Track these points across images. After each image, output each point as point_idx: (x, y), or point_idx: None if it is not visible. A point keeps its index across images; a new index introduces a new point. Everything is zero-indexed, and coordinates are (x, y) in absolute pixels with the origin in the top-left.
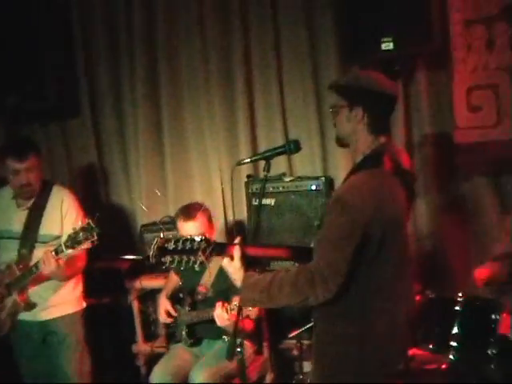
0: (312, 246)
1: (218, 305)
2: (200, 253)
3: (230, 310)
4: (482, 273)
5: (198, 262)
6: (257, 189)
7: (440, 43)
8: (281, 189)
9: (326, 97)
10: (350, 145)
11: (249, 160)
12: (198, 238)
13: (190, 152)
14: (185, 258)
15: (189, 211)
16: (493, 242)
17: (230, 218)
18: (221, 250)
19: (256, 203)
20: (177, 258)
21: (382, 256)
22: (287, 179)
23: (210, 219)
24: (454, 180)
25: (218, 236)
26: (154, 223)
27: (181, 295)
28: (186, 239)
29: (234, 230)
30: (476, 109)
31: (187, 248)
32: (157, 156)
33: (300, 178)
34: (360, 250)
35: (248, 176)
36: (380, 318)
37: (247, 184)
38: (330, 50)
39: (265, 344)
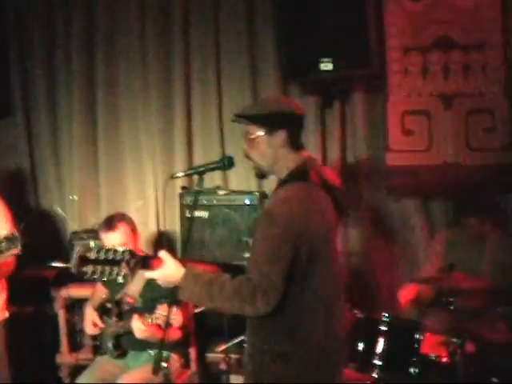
0: (240, 263)
1: (135, 316)
2: (124, 264)
3: (149, 320)
4: (406, 294)
5: (122, 274)
6: (191, 201)
7: (378, 67)
8: (214, 202)
9: None
10: (270, 172)
11: (182, 174)
12: (121, 249)
13: (124, 160)
14: (107, 268)
15: (110, 222)
16: (420, 263)
17: (163, 229)
18: (145, 263)
19: (189, 215)
20: (99, 268)
21: (314, 270)
22: (221, 192)
23: (133, 230)
24: (385, 201)
25: (150, 246)
26: (85, 230)
27: (108, 305)
28: (109, 249)
29: (163, 240)
30: (409, 133)
31: (110, 258)
32: (91, 162)
33: (234, 192)
34: (293, 264)
35: (182, 188)
36: (316, 333)
37: (181, 196)
38: (270, 68)
39: (192, 357)
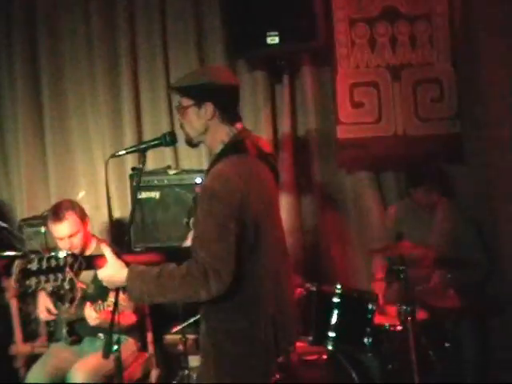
0: (184, 245)
1: (87, 304)
2: (67, 269)
3: (101, 307)
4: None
5: (67, 280)
6: (142, 182)
7: (324, 40)
8: (166, 182)
9: None
10: (203, 142)
11: (123, 152)
12: (62, 254)
13: (72, 143)
14: (52, 276)
15: (57, 212)
16: (374, 235)
17: (116, 211)
18: (89, 262)
19: (141, 197)
20: (43, 278)
21: (261, 243)
22: (172, 172)
23: (82, 218)
24: (337, 175)
25: (103, 230)
26: (35, 217)
27: (62, 291)
28: (50, 257)
29: (116, 224)
30: (358, 105)
31: (52, 266)
32: (38, 147)
33: (185, 171)
34: (240, 239)
35: (133, 168)
36: (270, 306)
37: (131, 177)
38: (218, 44)
39: (149, 340)
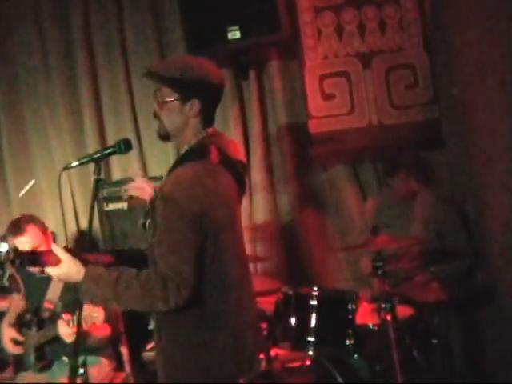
0: (138, 248)
1: (60, 322)
2: (8, 265)
3: (73, 322)
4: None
5: (7, 275)
6: (107, 193)
7: (289, 31)
8: None
9: None
10: (176, 138)
11: (77, 163)
12: (2, 249)
13: (32, 155)
14: None
15: (18, 225)
16: (354, 230)
17: (82, 224)
18: (35, 258)
19: (108, 208)
20: None
21: (222, 252)
22: None
23: (43, 231)
24: (312, 171)
25: (73, 246)
26: None
27: (27, 317)
28: None
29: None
30: (329, 97)
31: None
32: None
33: (153, 179)
34: (200, 249)
35: (98, 180)
36: (231, 318)
37: (95, 188)
38: (178, 41)
39: (125, 359)
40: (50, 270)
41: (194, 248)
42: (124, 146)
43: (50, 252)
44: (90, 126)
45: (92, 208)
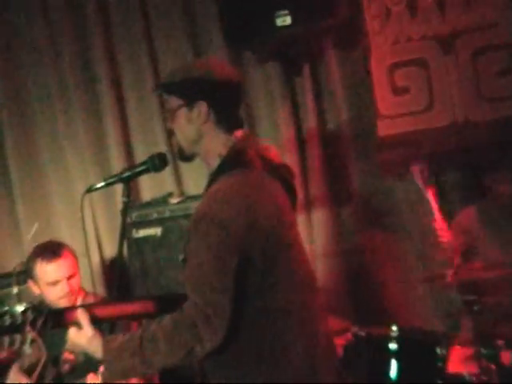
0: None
1: (90, 376)
2: (28, 328)
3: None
4: None
5: (29, 341)
6: (136, 217)
7: (347, 13)
8: (167, 214)
9: None
10: (198, 154)
11: (102, 184)
12: (19, 309)
13: (46, 177)
14: (7, 340)
15: (52, 249)
16: (439, 255)
17: (108, 257)
18: (58, 318)
19: (138, 235)
20: None
21: (275, 277)
22: (174, 201)
23: (75, 257)
24: (382, 182)
25: (93, 282)
26: (7, 274)
27: (42, 368)
28: (3, 313)
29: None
30: (402, 91)
31: (7, 324)
32: (2, 192)
33: (191, 198)
34: (244, 275)
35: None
36: (296, 356)
37: (124, 212)
38: (215, 34)
39: None
40: (72, 334)
41: (233, 276)
42: (159, 162)
43: (75, 311)
44: (114, 139)
45: (122, 236)
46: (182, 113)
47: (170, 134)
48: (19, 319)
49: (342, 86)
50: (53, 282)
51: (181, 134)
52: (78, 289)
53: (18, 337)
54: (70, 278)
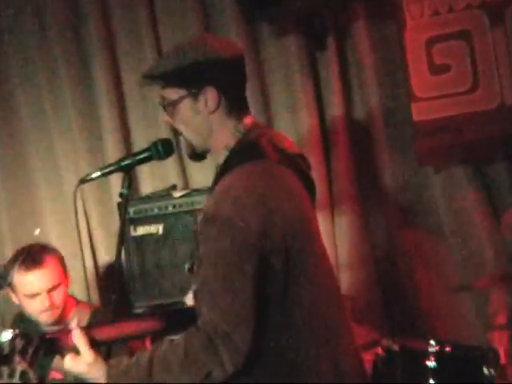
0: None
1: None
2: (17, 358)
3: None
4: None
5: (19, 372)
6: (135, 212)
7: None
8: (170, 209)
9: None
10: (207, 149)
11: (98, 174)
12: (5, 337)
13: (31, 167)
14: None
15: (31, 256)
16: (481, 260)
17: (103, 257)
18: (51, 344)
19: (137, 233)
20: None
21: (297, 281)
22: (178, 194)
23: (62, 264)
24: (418, 174)
25: (86, 289)
26: None
27: None
28: None
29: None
30: (442, 69)
31: None
32: None
33: (197, 192)
34: (264, 281)
35: (120, 194)
36: (321, 368)
37: (124, 206)
38: (227, 4)
39: None
40: (68, 362)
41: (253, 281)
42: (163, 150)
43: (69, 335)
44: (110, 124)
45: (121, 234)
46: (187, 104)
47: (174, 132)
48: (7, 349)
49: (373, 63)
50: (31, 294)
51: (189, 130)
52: (63, 301)
53: (4, 369)
54: (51, 289)
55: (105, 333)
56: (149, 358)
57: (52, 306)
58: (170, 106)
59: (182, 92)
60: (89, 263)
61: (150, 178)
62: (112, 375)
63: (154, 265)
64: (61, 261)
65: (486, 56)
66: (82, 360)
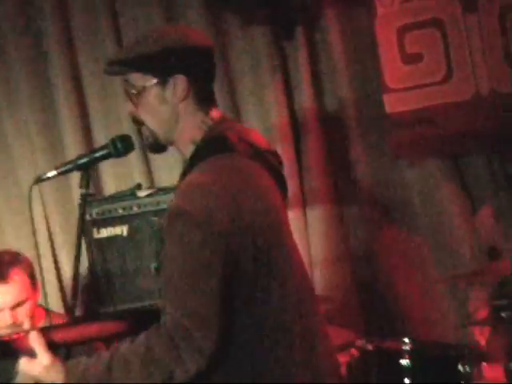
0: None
1: None
2: None
3: None
4: None
5: None
6: (98, 213)
7: None
8: (135, 209)
9: None
10: (172, 141)
11: (54, 173)
12: None
13: None
14: None
15: None
16: (461, 254)
17: (66, 262)
18: (6, 347)
19: (100, 235)
20: None
21: (267, 280)
22: (143, 194)
23: (32, 276)
24: (393, 169)
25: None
26: None
27: None
28: None
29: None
30: (414, 58)
31: None
32: None
33: (163, 191)
34: (232, 280)
35: (83, 196)
36: (293, 371)
37: (82, 208)
38: None
39: None
40: (24, 366)
41: (219, 280)
42: (122, 146)
43: (24, 338)
44: (68, 121)
45: (79, 236)
46: (153, 92)
47: (136, 122)
48: None
49: (344, 55)
50: None
51: (153, 120)
52: (29, 316)
53: None
54: (16, 306)
55: (63, 334)
56: (108, 359)
57: (15, 324)
58: (134, 94)
59: (150, 79)
60: (49, 268)
61: (114, 178)
62: (70, 377)
63: (118, 268)
64: (30, 274)
65: (459, 45)
66: (37, 363)
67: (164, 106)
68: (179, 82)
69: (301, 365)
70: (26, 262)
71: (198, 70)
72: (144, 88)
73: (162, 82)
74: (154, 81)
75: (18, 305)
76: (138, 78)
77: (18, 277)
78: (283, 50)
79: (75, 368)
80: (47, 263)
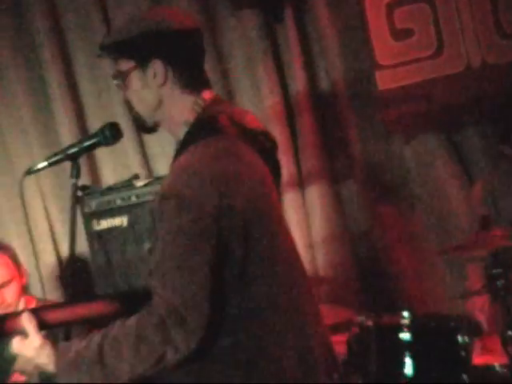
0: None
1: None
2: None
3: None
4: None
5: None
6: (97, 205)
7: None
8: (134, 199)
9: None
10: (160, 122)
11: (45, 164)
12: None
13: None
14: None
15: None
16: (457, 227)
17: (65, 253)
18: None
19: (100, 227)
20: None
21: (259, 262)
22: (141, 183)
23: (15, 260)
24: (387, 146)
25: (53, 286)
26: None
27: None
28: None
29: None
30: (404, 34)
31: None
32: None
33: (160, 180)
34: (222, 261)
35: (82, 188)
36: (285, 356)
37: (81, 201)
38: None
39: None
40: (16, 345)
41: (210, 261)
42: (110, 133)
43: (19, 317)
44: (63, 111)
45: (72, 227)
46: (135, 76)
47: (129, 106)
48: None
49: (334, 33)
50: None
51: (138, 102)
52: (15, 297)
53: None
54: (1, 286)
55: (55, 315)
56: (99, 341)
57: (3, 303)
58: (120, 78)
59: (132, 64)
60: (51, 261)
61: (112, 169)
62: (61, 360)
63: (120, 258)
64: (12, 258)
65: (449, 18)
66: (29, 343)
67: (146, 89)
68: (156, 67)
69: (292, 346)
70: (7, 247)
71: (177, 53)
72: (127, 72)
73: (141, 67)
74: (135, 65)
75: (3, 285)
76: (122, 63)
77: (0, 259)
78: (274, 31)
79: (66, 351)
80: (48, 256)
